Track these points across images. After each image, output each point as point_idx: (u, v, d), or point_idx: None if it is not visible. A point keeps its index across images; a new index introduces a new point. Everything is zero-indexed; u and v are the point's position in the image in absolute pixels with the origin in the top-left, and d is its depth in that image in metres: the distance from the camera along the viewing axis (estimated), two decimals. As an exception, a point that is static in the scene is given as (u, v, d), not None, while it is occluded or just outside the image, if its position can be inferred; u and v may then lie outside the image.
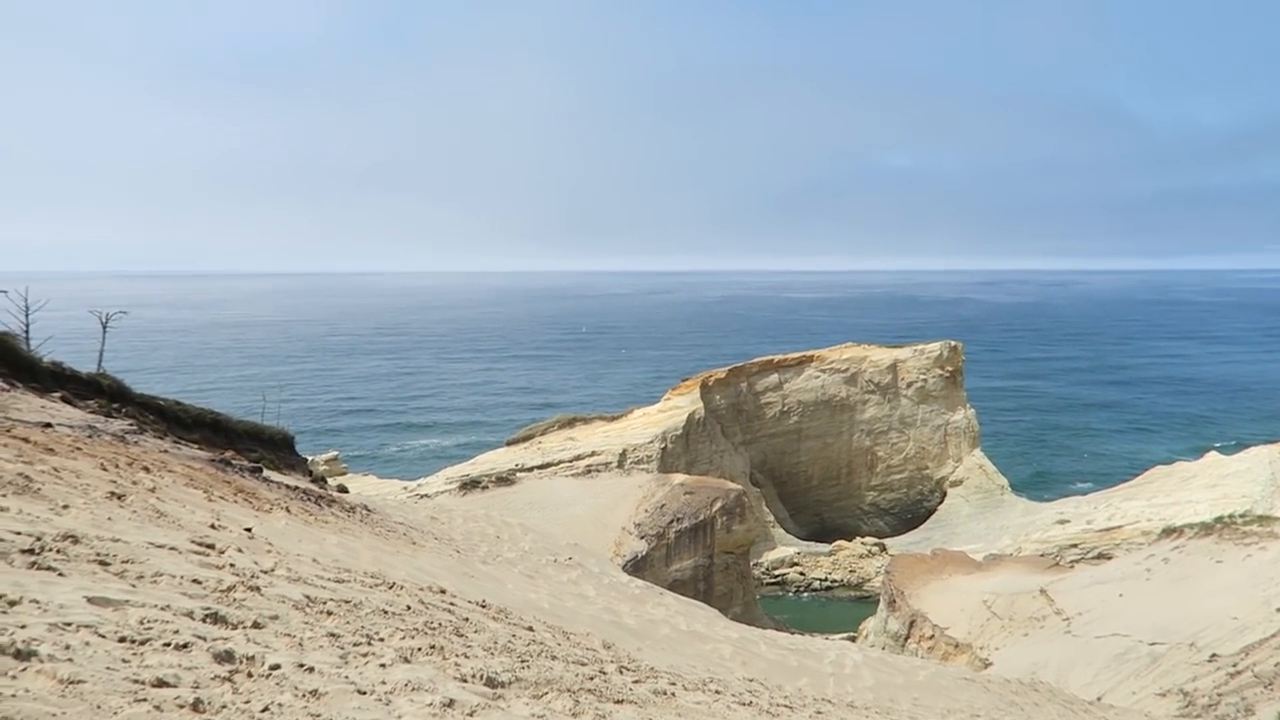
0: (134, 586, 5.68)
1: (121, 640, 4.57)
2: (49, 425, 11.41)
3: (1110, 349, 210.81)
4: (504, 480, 53.79)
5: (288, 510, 12.74)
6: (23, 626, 4.28)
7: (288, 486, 15.49)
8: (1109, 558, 46.32)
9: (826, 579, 62.51)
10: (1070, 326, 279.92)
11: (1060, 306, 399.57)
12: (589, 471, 58.50)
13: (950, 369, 77.20)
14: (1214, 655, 23.67)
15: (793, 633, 25.43)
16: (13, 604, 4.59)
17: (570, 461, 60.03)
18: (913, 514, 74.90)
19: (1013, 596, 36.02)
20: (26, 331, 16.90)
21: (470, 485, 52.79)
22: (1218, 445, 78.27)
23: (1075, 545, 56.73)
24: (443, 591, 10.22)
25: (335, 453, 68.39)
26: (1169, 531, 37.39)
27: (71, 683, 3.79)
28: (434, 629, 7.54)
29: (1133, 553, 41.03)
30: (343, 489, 22.91)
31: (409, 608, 8.25)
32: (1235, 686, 20.48)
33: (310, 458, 37.85)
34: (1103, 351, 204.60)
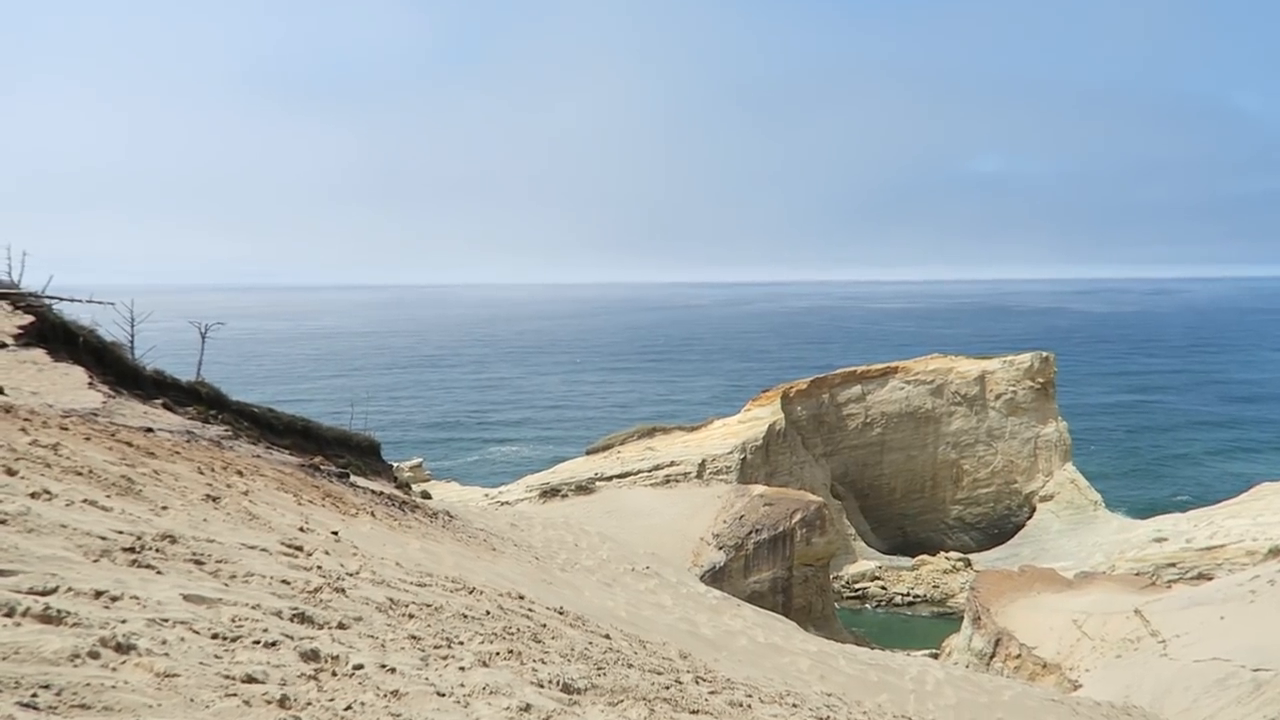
0: (227, 586, 5.90)
1: (214, 637, 4.77)
2: (150, 430, 11.94)
3: (1216, 361, 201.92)
4: (583, 489, 54.17)
5: (373, 515, 13.07)
6: (123, 621, 4.49)
7: (373, 492, 15.89)
8: (1209, 578, 44.33)
9: (909, 594, 61.27)
10: (1173, 337, 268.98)
11: (1162, 316, 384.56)
12: (668, 481, 58.51)
13: (1041, 380, 75.01)
14: (1325, 683, 22.46)
15: (873, 648, 24.99)
16: (114, 600, 4.83)
17: (649, 471, 60.12)
18: (999, 529, 72.88)
19: (1105, 616, 34.75)
20: (131, 341, 17.72)
21: (550, 493, 53.30)
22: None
23: (1173, 564, 54.44)
24: (521, 597, 10.35)
25: (420, 460, 69.84)
26: (1276, 551, 35.65)
27: (167, 676, 3.97)
28: (512, 634, 7.64)
29: (1236, 573, 39.21)
30: (426, 495, 23.38)
31: (488, 613, 8.38)
32: (1348, 717, 19.39)
33: (395, 464, 38.72)
34: (1208, 364, 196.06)
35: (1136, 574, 48.47)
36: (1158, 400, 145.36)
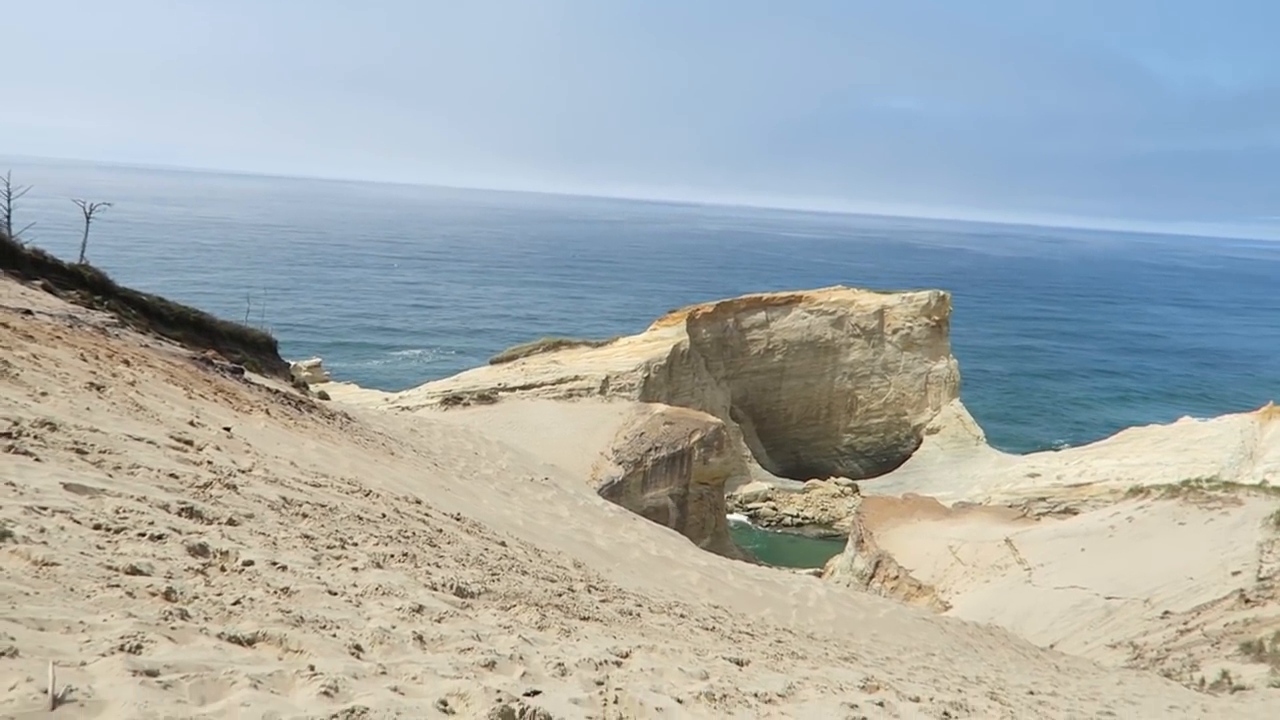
0: (110, 477, 5.71)
1: (96, 528, 4.62)
2: (29, 312, 11.32)
3: (1103, 311, 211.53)
4: (486, 398, 53.98)
5: (267, 413, 12.77)
6: (-2, 507, 4.31)
7: (269, 389, 15.50)
8: (1075, 513, 47.18)
9: (798, 515, 63.47)
10: (1065, 286, 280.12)
11: (1056, 264, 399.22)
12: (571, 395, 58.76)
13: (937, 318, 77.43)
14: (1167, 612, 24.33)
15: (760, 565, 25.93)
16: (-11, 485, 4.62)
17: (553, 384, 60.22)
18: (887, 458, 75.84)
19: (978, 544, 36.72)
20: (8, 217, 16.66)
21: (452, 401, 52.97)
22: (1193, 412, 79.23)
23: (1044, 499, 57.71)
24: (418, 502, 10.34)
25: (318, 360, 68.26)
26: (1136, 491, 38.06)
27: (45, 564, 3.84)
28: (408, 538, 7.64)
29: (1099, 509, 41.81)
30: (324, 396, 22.95)
31: (384, 516, 8.35)
32: (1184, 643, 21.10)
33: (293, 363, 37.76)
34: (1095, 314, 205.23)
35: (1010, 506, 51.24)
36: (1045, 345, 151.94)
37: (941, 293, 78.97)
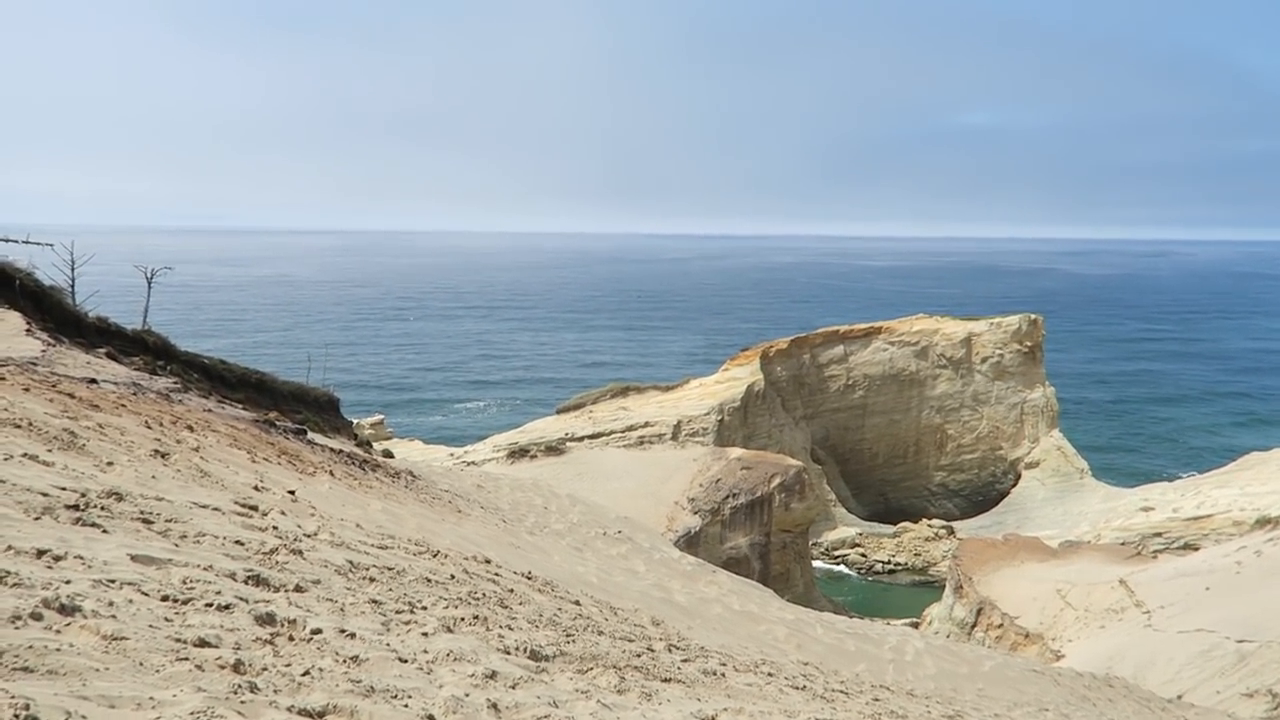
0: (177, 546, 5.88)
1: (164, 599, 4.75)
2: (94, 381, 11.79)
3: (1211, 328, 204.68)
4: (553, 449, 54.31)
5: (331, 474, 13.03)
6: (67, 582, 4.46)
7: (332, 450, 15.84)
8: (1196, 549, 45.36)
9: (889, 562, 62.27)
10: (1166, 303, 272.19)
11: (1156, 280, 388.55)
12: (642, 443, 58.79)
13: (1029, 344, 75.81)
14: (1308, 656, 23.15)
15: (851, 616, 25.41)
16: (58, 559, 4.79)
17: (622, 432, 60.37)
18: (984, 496, 74.03)
19: (1089, 586, 35.50)
20: (72, 286, 17.44)
21: (518, 454, 53.40)
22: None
23: (1159, 534, 55.60)
24: (488, 561, 10.40)
25: (381, 416, 69.64)
26: (1263, 522, 36.47)
27: (115, 639, 3.95)
28: (478, 599, 7.68)
29: (1222, 544, 40.12)
30: (388, 454, 23.34)
31: (453, 577, 8.42)
32: (1330, 690, 20.02)
33: (356, 421, 38.62)
34: (1202, 331, 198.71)
35: (1122, 544, 49.51)
36: (1149, 368, 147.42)
37: (1033, 316, 77.37)
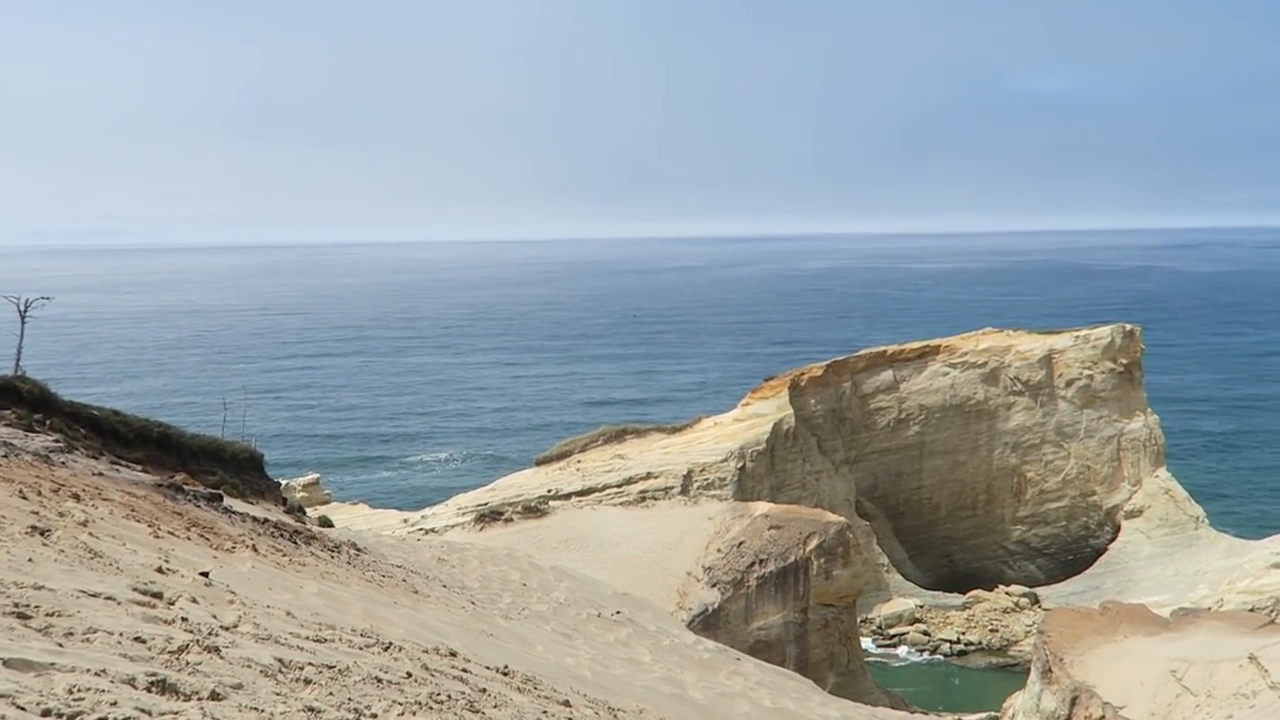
0: (61, 646, 5.84)
1: (45, 714, 4.71)
2: (-44, 442, 11.78)
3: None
4: (533, 511, 54.17)
5: (255, 549, 13.00)
6: (-77, 695, 4.44)
7: (255, 519, 15.80)
8: (1344, 614, 45.27)
9: (959, 640, 62.01)
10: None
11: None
12: (644, 499, 58.68)
13: (1125, 361, 75.91)
14: None
15: (913, 711, 25.30)
16: (-89, 667, 4.76)
17: (619, 486, 60.24)
18: (1074, 555, 73.85)
19: (1212, 665, 35.39)
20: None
21: (489, 517, 53.27)
22: None
23: (1297, 597, 55.49)
24: (453, 654, 10.35)
25: (316, 476, 69.58)
26: None
27: (-17, 767, 3.93)
28: (441, 702, 7.64)
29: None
30: (325, 522, 23.28)
31: (410, 675, 8.37)
32: None
33: (284, 482, 38.55)
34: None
35: (1251, 610, 49.39)
36: (1276, 389, 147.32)
37: (1128, 327, 77.56)
